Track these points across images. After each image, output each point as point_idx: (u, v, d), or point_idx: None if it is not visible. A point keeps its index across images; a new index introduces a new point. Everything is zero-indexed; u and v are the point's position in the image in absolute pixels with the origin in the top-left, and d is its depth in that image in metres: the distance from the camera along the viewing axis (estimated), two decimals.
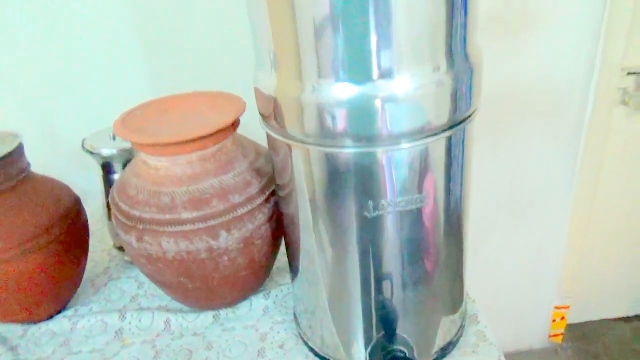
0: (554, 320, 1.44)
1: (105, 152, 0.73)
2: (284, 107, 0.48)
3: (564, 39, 1.00)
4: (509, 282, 1.36)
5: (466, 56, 0.46)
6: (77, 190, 0.71)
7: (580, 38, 0.99)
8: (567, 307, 1.42)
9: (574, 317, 1.49)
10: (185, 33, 0.90)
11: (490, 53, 1.00)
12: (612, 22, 0.96)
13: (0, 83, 0.91)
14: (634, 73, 1.07)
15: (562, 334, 1.47)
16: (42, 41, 0.88)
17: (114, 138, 0.74)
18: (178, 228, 0.55)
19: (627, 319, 1.52)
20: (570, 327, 1.50)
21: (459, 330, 0.63)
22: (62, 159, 0.94)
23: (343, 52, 0.43)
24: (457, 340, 0.63)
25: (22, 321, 0.70)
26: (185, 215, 0.55)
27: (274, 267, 0.74)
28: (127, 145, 0.73)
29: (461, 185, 0.54)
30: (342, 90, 0.44)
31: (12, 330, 0.70)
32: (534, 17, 0.97)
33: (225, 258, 0.58)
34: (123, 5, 0.87)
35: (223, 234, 0.56)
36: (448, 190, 0.52)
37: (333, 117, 0.45)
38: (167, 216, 0.55)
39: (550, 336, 1.48)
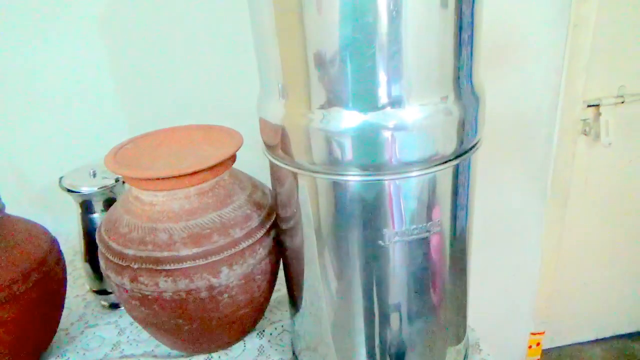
0: (530, 347, 1.46)
1: (86, 190, 0.69)
2: (291, 135, 0.47)
3: (531, 74, 1.06)
4: (485, 310, 1.37)
5: (472, 87, 0.48)
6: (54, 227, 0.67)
7: (545, 73, 1.05)
8: (542, 334, 1.44)
9: (548, 343, 1.51)
10: (161, 68, 0.89)
11: None
12: (573, 57, 1.03)
13: None
14: (593, 105, 1.14)
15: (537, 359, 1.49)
16: (14, 78, 0.84)
17: (94, 175, 0.71)
18: (177, 266, 0.52)
19: (597, 342, 1.56)
20: (546, 352, 1.53)
21: (463, 358, 0.62)
22: (27, 199, 0.88)
23: (353, 82, 0.43)
24: None
25: None
26: (185, 252, 0.52)
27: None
28: (109, 182, 0.70)
29: (466, 214, 0.54)
30: (351, 119, 0.44)
31: None
32: (502, 53, 1.02)
33: (226, 296, 0.55)
34: (97, 40, 0.85)
35: (224, 270, 0.54)
36: (454, 220, 0.52)
37: (342, 146, 0.45)
38: (165, 254, 0.52)
39: None
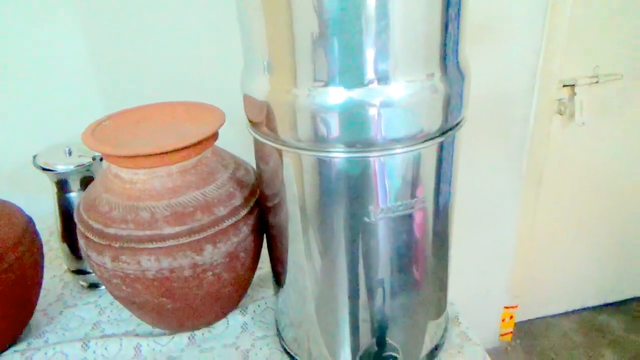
0: (503, 320, 1.51)
1: (61, 168, 0.67)
2: (276, 112, 0.47)
3: (509, 54, 1.06)
4: (461, 286, 1.41)
5: (458, 64, 0.48)
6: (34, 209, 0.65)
7: (524, 53, 1.06)
8: (515, 307, 1.49)
9: (520, 316, 1.56)
10: (141, 43, 0.86)
11: None
12: (550, 37, 1.04)
13: None
14: (569, 85, 1.16)
15: (511, 332, 1.54)
16: None
17: (69, 153, 0.69)
18: (160, 245, 0.51)
19: (566, 314, 1.63)
20: (518, 325, 1.58)
21: (443, 331, 0.64)
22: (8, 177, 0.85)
23: (339, 58, 0.42)
24: (443, 343, 0.64)
25: None
26: (168, 230, 0.51)
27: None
28: (86, 161, 0.68)
29: (450, 191, 0.55)
30: (337, 96, 0.44)
31: None
32: (480, 33, 1.03)
33: (210, 274, 0.55)
34: (72, 12, 0.81)
35: (209, 248, 0.53)
36: (438, 197, 0.53)
37: (327, 122, 0.45)
38: (147, 232, 0.51)
39: (500, 335, 1.54)
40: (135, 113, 0.60)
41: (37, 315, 0.71)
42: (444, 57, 0.46)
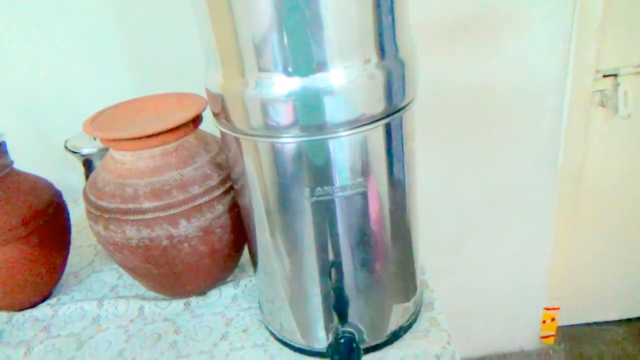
0: (544, 322, 1.44)
1: (86, 151, 0.78)
2: (229, 103, 0.52)
3: (536, 42, 1.02)
4: (497, 281, 1.38)
5: (397, 51, 0.50)
6: (71, 189, 0.76)
7: (552, 40, 1.02)
8: (557, 309, 1.42)
9: (565, 320, 1.49)
10: (168, 37, 0.95)
11: (464, 58, 1.04)
12: (582, 23, 0.98)
13: None
14: (610, 75, 1.09)
15: (553, 335, 1.47)
16: (32, 47, 0.95)
17: (95, 138, 0.80)
18: (140, 217, 0.59)
19: (619, 322, 1.52)
20: (562, 330, 1.50)
21: (412, 316, 0.66)
22: (49, 160, 0.99)
23: (279, 48, 0.46)
24: (410, 326, 0.65)
25: (7, 308, 0.75)
26: (147, 204, 0.59)
27: (246, 258, 0.78)
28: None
29: (403, 172, 0.57)
30: (281, 85, 0.48)
31: None
32: (505, 21, 1.00)
33: (186, 245, 0.62)
34: (108, 11, 0.93)
35: (183, 222, 0.60)
36: (391, 177, 0.55)
37: (275, 110, 0.49)
38: (130, 206, 0.59)
39: (541, 337, 1.48)
40: (135, 103, 0.68)
41: (69, 277, 0.83)
42: (380, 44, 0.48)
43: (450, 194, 1.22)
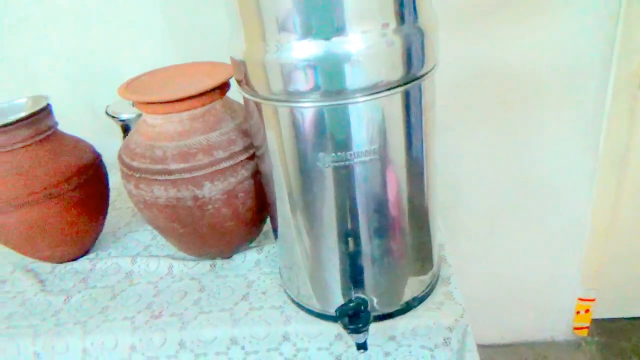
0: (577, 313, 1.41)
1: (124, 116, 0.82)
2: (251, 69, 0.54)
3: (581, 19, 0.98)
4: (530, 268, 1.35)
5: (415, 19, 0.50)
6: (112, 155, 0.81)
7: (598, 19, 0.97)
8: (592, 300, 1.38)
9: (600, 312, 1.44)
10: (205, 9, 0.98)
11: (503, 36, 1.01)
12: (631, 1, 0.93)
13: (42, 56, 1.04)
14: None
15: (587, 327, 1.43)
16: (79, 16, 1.00)
17: (133, 104, 0.84)
18: (167, 177, 0.63)
19: None
20: (598, 323, 1.46)
21: (427, 288, 0.66)
22: (97, 123, 1.06)
23: (299, 11, 0.47)
24: (424, 297, 0.66)
25: (52, 261, 0.81)
26: (174, 166, 0.62)
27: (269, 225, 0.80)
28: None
29: (421, 141, 0.57)
30: (300, 49, 0.49)
31: (43, 268, 0.82)
32: None
33: (210, 207, 0.65)
34: None
35: (207, 184, 0.63)
36: (408, 145, 0.55)
37: (293, 75, 0.50)
38: (159, 167, 0.63)
39: (574, 329, 1.44)
40: (169, 70, 0.71)
41: (108, 235, 0.89)
42: (399, 9, 0.48)
43: (484, 176, 1.20)
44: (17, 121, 0.68)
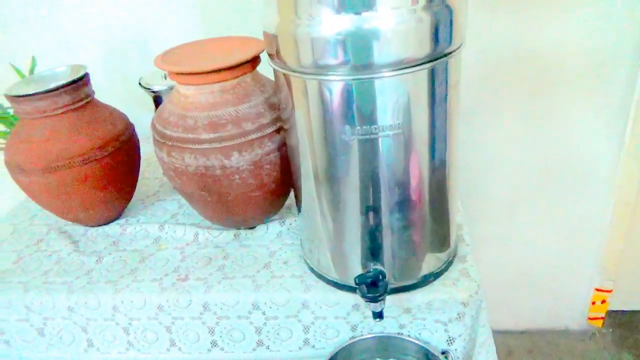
0: (593, 303, 1.41)
1: (156, 88, 0.85)
2: (282, 42, 0.55)
3: (613, 5, 0.96)
4: (547, 256, 1.35)
5: None
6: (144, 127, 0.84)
7: (630, 5, 0.95)
8: (609, 291, 1.37)
9: (616, 304, 1.44)
10: None
11: (531, 20, 1.00)
12: None
13: (81, 26, 1.08)
14: None
15: (602, 318, 1.43)
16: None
17: (165, 77, 0.87)
18: (197, 146, 0.65)
19: None
20: (613, 314, 1.46)
21: (443, 264, 0.68)
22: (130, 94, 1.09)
23: None
24: (441, 273, 0.68)
25: (85, 224, 0.85)
26: (204, 136, 0.65)
27: (293, 199, 0.83)
28: (174, 83, 0.85)
29: (445, 118, 0.58)
30: (330, 23, 0.51)
31: (77, 230, 0.86)
32: None
33: (237, 177, 0.67)
34: None
35: (235, 154, 0.66)
36: (432, 121, 0.57)
37: (323, 48, 0.52)
38: (190, 135, 0.66)
39: (589, 319, 1.44)
40: (202, 44, 0.73)
41: (137, 203, 0.92)
42: None
43: (506, 160, 1.20)
44: (57, 88, 0.71)
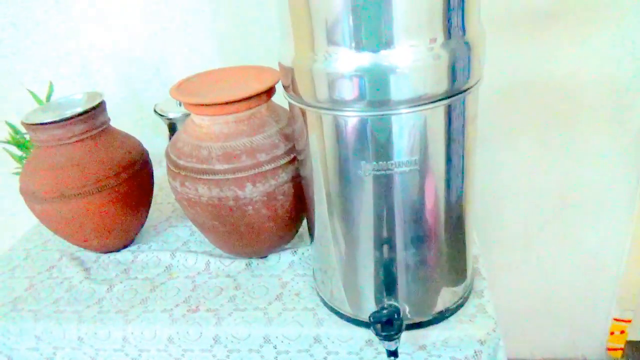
0: (612, 333, 1.37)
1: (171, 115, 0.85)
2: (298, 76, 0.55)
3: (630, 33, 0.95)
4: (564, 284, 1.32)
5: (464, 33, 0.51)
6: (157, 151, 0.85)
7: None
8: (629, 321, 1.34)
9: (637, 334, 1.40)
10: (254, 13, 1.01)
11: (547, 47, 1.00)
12: None
13: (97, 53, 1.09)
14: None
15: (621, 349, 1.39)
16: (134, 19, 1.04)
17: (180, 104, 0.87)
18: (211, 177, 0.65)
19: None
20: (633, 344, 1.41)
21: (459, 299, 0.66)
22: (145, 121, 1.10)
23: (349, 24, 0.48)
24: (457, 309, 0.66)
25: (97, 250, 0.85)
26: (218, 166, 0.65)
27: (306, 228, 0.82)
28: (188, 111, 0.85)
29: (462, 155, 0.57)
30: (348, 60, 0.50)
31: (88, 256, 0.86)
32: (597, 9, 0.94)
33: (250, 208, 0.67)
34: None
35: (249, 185, 0.65)
36: (448, 158, 0.56)
37: (340, 84, 0.52)
38: (204, 166, 0.65)
39: (608, 349, 1.40)
40: (217, 73, 0.74)
41: (149, 229, 0.92)
42: (447, 24, 0.49)
43: (521, 187, 1.19)
44: (74, 116, 0.72)
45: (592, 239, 1.23)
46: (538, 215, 1.21)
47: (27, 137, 0.86)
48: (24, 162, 0.79)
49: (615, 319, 1.34)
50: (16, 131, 0.87)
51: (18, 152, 0.89)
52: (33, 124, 0.72)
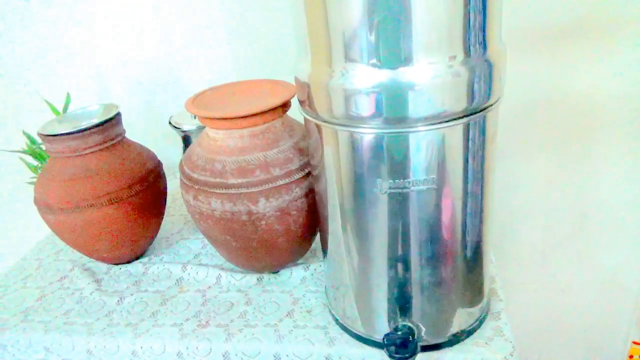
0: (631, 357, 1.33)
1: (186, 127, 0.85)
2: (315, 92, 0.55)
3: None
4: (582, 305, 1.29)
5: (484, 51, 0.50)
6: (170, 162, 0.85)
7: None
8: None
9: None
10: (270, 27, 1.01)
11: (568, 64, 0.98)
12: None
13: (112, 64, 1.10)
14: None
15: None
16: (152, 31, 1.05)
17: (194, 117, 0.87)
18: (225, 191, 0.64)
19: None
20: None
21: (476, 321, 0.65)
22: (160, 132, 1.10)
23: (367, 40, 0.48)
24: (473, 331, 0.64)
25: (108, 262, 0.85)
26: (232, 180, 0.64)
27: (318, 243, 0.81)
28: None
29: (481, 174, 0.56)
30: (365, 76, 0.49)
31: (100, 267, 0.86)
32: (620, 27, 0.93)
33: (263, 223, 0.66)
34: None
35: (262, 200, 0.64)
36: (466, 177, 0.55)
37: (357, 101, 0.51)
38: (217, 180, 0.65)
39: None
40: (232, 87, 0.74)
41: (161, 240, 0.92)
42: (467, 42, 0.48)
43: (539, 205, 1.16)
44: (90, 128, 0.72)
45: (611, 259, 1.20)
46: (555, 234, 1.19)
47: (43, 147, 0.86)
48: (39, 172, 0.79)
49: (635, 342, 1.30)
50: (32, 141, 0.88)
51: (34, 162, 0.90)
52: (49, 135, 0.72)
